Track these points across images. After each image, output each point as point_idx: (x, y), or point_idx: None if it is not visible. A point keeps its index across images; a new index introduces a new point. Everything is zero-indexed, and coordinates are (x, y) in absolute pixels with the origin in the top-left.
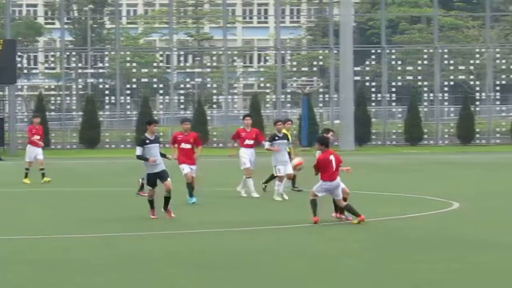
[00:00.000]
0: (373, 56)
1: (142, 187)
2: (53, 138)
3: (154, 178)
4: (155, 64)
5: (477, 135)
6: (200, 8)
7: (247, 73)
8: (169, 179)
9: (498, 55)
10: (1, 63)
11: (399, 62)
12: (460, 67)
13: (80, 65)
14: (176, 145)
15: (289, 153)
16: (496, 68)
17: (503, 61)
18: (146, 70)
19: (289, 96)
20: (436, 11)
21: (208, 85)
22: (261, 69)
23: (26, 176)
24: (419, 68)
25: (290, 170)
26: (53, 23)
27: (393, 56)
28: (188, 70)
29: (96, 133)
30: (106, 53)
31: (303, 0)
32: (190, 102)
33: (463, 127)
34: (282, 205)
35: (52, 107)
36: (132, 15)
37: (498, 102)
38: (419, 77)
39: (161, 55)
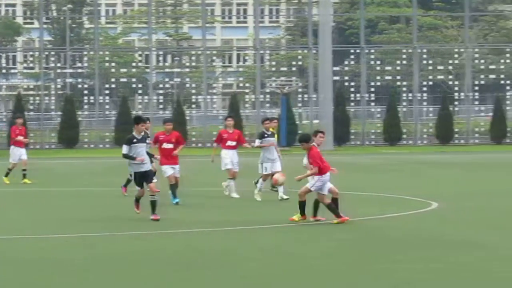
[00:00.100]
0: (352, 56)
1: (128, 183)
2: (32, 138)
3: (140, 178)
4: (134, 64)
5: (456, 135)
6: (179, 8)
7: (226, 73)
8: (154, 180)
9: (476, 55)
10: None
11: (378, 62)
12: (439, 67)
13: (59, 65)
14: (157, 145)
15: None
16: (475, 68)
17: (482, 61)
18: (125, 70)
19: (268, 96)
20: (415, 11)
21: (187, 85)
22: (240, 69)
23: (6, 175)
24: (398, 68)
25: (278, 168)
26: (32, 23)
27: (372, 56)
28: (167, 70)
29: (75, 133)
30: (85, 53)
31: (282, 0)
32: (169, 102)
33: (442, 127)
34: (262, 205)
35: (31, 107)
36: (111, 15)
37: (476, 102)
38: (398, 77)
39: (140, 55)
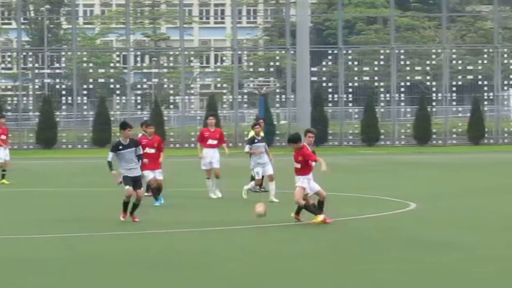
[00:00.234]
0: (329, 57)
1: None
2: (10, 139)
3: (129, 180)
4: (112, 65)
5: (434, 136)
6: (156, 9)
7: (204, 74)
8: (142, 188)
9: (454, 56)
10: None
11: (356, 63)
12: (417, 68)
13: (37, 65)
14: None
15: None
16: (453, 68)
17: (460, 61)
18: (103, 71)
19: (246, 96)
20: (393, 12)
21: (165, 86)
22: (218, 70)
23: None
24: (376, 68)
25: (270, 171)
26: (10, 23)
27: (350, 57)
28: (145, 70)
29: (53, 134)
30: (63, 53)
31: (259, 0)
32: (147, 103)
33: (420, 127)
34: (244, 206)
35: (9, 108)
36: (89, 15)
37: (454, 103)
38: (376, 78)
39: (117, 56)
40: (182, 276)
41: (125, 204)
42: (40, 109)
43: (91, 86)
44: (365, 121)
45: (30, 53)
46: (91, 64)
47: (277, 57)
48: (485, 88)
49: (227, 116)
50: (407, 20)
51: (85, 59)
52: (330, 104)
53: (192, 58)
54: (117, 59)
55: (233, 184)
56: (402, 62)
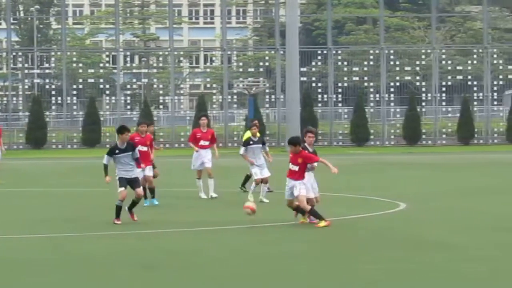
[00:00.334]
0: (319, 57)
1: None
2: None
3: (124, 182)
4: (101, 65)
5: (423, 136)
6: (146, 9)
7: (194, 74)
8: (141, 187)
9: (444, 56)
10: None
11: (345, 63)
12: (406, 68)
13: (26, 65)
14: None
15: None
16: (442, 69)
17: (449, 62)
18: (92, 71)
19: (235, 96)
20: (382, 12)
21: (155, 86)
22: (208, 70)
23: None
24: (365, 69)
25: (266, 174)
26: None
27: (339, 57)
28: (134, 70)
29: (42, 134)
30: (53, 53)
31: (249, 1)
32: (136, 103)
33: (409, 127)
34: (234, 206)
35: None
36: (78, 15)
37: (444, 103)
38: (365, 78)
39: (107, 56)
40: (173, 277)
41: (119, 208)
42: (30, 109)
43: (80, 86)
44: (355, 121)
45: (20, 53)
46: (80, 64)
47: (267, 57)
48: (475, 89)
49: (216, 116)
50: (396, 20)
51: (74, 59)
52: (319, 104)
53: (181, 58)
54: (107, 59)
55: (223, 185)
56: (391, 62)
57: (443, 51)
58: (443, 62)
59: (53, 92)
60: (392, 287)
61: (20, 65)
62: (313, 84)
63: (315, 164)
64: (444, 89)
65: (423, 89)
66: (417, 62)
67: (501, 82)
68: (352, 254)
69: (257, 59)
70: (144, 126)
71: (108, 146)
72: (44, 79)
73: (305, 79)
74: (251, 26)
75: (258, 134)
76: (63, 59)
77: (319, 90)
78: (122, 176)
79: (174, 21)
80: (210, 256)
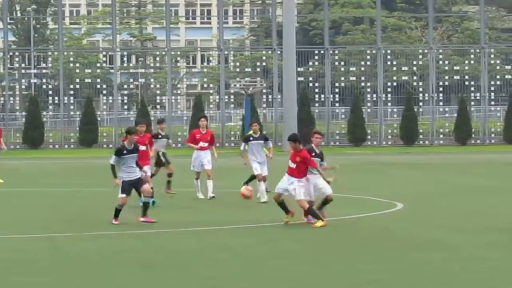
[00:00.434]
0: (316, 57)
1: (169, 184)
2: None
3: (128, 186)
4: (98, 65)
5: (420, 136)
6: (143, 9)
7: (191, 74)
8: (147, 184)
9: (441, 56)
10: None
11: (342, 63)
12: (403, 68)
13: (23, 65)
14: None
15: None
16: (439, 69)
17: (446, 62)
18: (89, 71)
19: (232, 96)
20: (379, 12)
21: (152, 86)
22: (204, 70)
23: None
24: (362, 69)
25: (265, 172)
26: None
27: (336, 57)
28: (131, 70)
29: (39, 134)
30: (49, 53)
31: (246, 1)
32: (133, 103)
33: (406, 128)
34: (231, 207)
35: None
36: (75, 15)
37: (441, 103)
38: (362, 78)
39: (104, 56)
40: (172, 277)
41: (118, 210)
42: (26, 109)
43: (77, 86)
44: (352, 121)
45: (17, 53)
46: (77, 64)
47: (264, 57)
48: (472, 89)
49: (213, 116)
50: (393, 20)
51: (71, 59)
52: (316, 104)
53: (178, 58)
54: (104, 59)
55: (221, 185)
56: (388, 62)
57: (440, 51)
58: (440, 62)
59: (50, 92)
60: (390, 287)
61: (17, 65)
62: (310, 84)
63: (314, 170)
64: (441, 89)
65: (420, 89)
66: (414, 62)
67: (498, 82)
68: (349, 254)
69: (254, 59)
70: (143, 126)
71: (105, 146)
72: (41, 79)
73: (302, 79)
74: (248, 26)
75: (259, 132)
76: (60, 59)
77: (316, 90)
78: (125, 180)
79: (171, 21)
80: (210, 256)
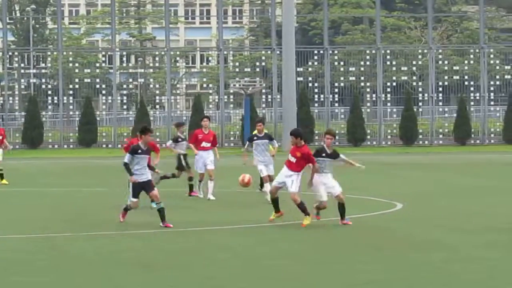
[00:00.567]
0: (315, 57)
1: (191, 188)
2: None
3: (138, 188)
4: (97, 65)
5: (420, 136)
6: (142, 9)
7: (190, 74)
8: (155, 189)
9: (440, 56)
10: None
11: (342, 63)
12: (403, 68)
13: (22, 65)
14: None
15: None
16: (439, 69)
17: (445, 62)
18: (88, 71)
19: (231, 96)
20: (378, 12)
21: (151, 86)
22: (204, 70)
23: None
24: (362, 69)
25: (271, 172)
26: None
27: (336, 57)
28: (130, 70)
29: (38, 134)
30: (49, 53)
31: (245, 0)
32: (132, 103)
33: (406, 128)
34: (231, 207)
35: None
36: (74, 15)
37: (440, 103)
38: (362, 78)
39: (103, 56)
40: (172, 277)
41: (126, 209)
42: (26, 109)
43: (77, 86)
44: (351, 121)
45: (16, 53)
46: (76, 64)
47: (263, 57)
48: (471, 89)
49: (212, 116)
50: (393, 20)
51: (70, 59)
52: (316, 104)
53: (177, 58)
54: (103, 59)
55: (220, 185)
56: (388, 62)
57: (440, 51)
58: (440, 62)
59: (49, 92)
60: (389, 287)
61: (16, 65)
62: (310, 84)
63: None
64: (440, 89)
65: (420, 89)
66: (414, 62)
67: (497, 82)
68: (349, 254)
69: (253, 59)
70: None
71: (104, 146)
72: (40, 79)
73: (301, 79)
74: (247, 26)
75: (264, 131)
76: (59, 59)
77: (316, 90)
78: (136, 181)
79: (170, 21)
80: (209, 256)
